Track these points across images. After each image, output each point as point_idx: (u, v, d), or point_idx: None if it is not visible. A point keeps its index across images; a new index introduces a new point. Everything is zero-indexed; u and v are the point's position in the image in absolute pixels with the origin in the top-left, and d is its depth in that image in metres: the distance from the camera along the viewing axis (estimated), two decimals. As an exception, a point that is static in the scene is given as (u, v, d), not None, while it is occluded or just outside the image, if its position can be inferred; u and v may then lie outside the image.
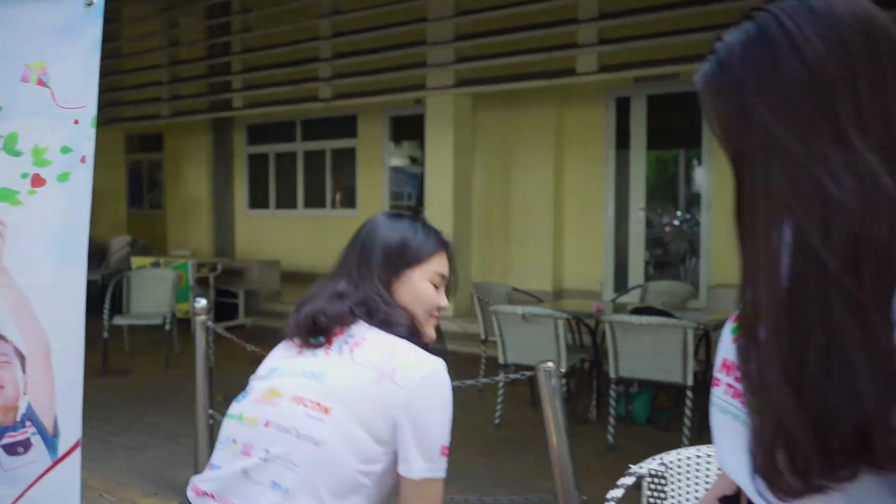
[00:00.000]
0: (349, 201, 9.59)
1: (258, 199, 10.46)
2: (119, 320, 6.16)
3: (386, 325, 1.30)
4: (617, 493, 1.53)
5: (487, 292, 5.44)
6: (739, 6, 5.71)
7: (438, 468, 1.24)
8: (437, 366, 1.28)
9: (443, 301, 1.41)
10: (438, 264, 1.41)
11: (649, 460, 1.58)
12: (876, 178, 0.69)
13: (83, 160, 1.81)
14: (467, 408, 4.08)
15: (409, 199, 9.42)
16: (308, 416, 1.23)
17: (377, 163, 9.16)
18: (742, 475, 0.82)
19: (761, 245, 0.74)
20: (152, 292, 6.35)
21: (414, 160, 9.35)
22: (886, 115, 0.73)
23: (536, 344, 4.21)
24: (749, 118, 0.75)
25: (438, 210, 7.26)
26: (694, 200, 7.64)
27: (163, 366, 5.99)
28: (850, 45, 0.74)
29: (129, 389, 5.34)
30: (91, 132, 1.81)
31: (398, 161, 9.52)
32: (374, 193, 9.16)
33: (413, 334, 1.33)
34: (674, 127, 7.57)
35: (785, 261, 0.73)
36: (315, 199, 9.89)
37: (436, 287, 1.40)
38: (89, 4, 1.79)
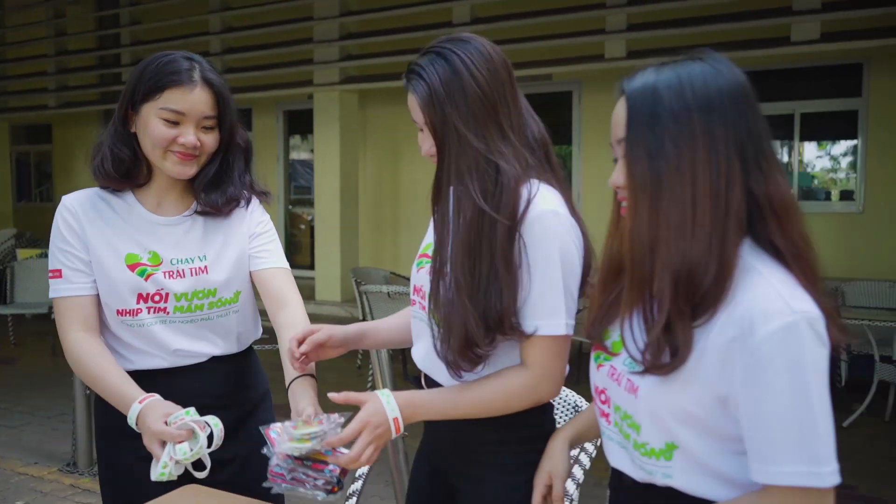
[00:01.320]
0: (244, 193, 9.73)
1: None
2: (2, 310, 6.20)
3: None
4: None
5: (367, 276, 5.83)
6: (597, 14, 6.35)
7: None
8: None
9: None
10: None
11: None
12: (524, 159, 1.19)
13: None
14: (348, 385, 4.45)
15: (304, 192, 9.67)
16: None
17: (272, 156, 9.37)
18: (427, 362, 1.30)
19: (446, 209, 1.21)
20: (38, 283, 6.40)
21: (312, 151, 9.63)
22: (521, 120, 1.23)
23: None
24: (447, 122, 1.18)
25: (326, 201, 7.61)
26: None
27: (49, 355, 6.08)
28: (500, 75, 1.21)
29: (14, 377, 5.45)
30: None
31: (298, 154, 9.76)
32: (270, 185, 9.34)
33: None
34: (547, 123, 8.16)
35: (451, 217, 1.19)
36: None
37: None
38: None
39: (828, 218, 6.61)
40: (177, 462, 1.23)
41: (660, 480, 1.00)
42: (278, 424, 1.22)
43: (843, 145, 7.06)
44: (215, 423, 1.29)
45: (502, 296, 1.15)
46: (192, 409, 1.29)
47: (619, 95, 1.01)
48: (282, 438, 1.18)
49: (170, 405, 1.30)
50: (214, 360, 1.50)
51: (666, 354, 0.94)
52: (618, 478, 1.09)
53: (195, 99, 1.38)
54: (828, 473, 0.88)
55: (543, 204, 1.16)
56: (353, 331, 1.41)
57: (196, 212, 1.49)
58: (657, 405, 0.97)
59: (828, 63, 6.42)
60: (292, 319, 1.47)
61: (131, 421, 1.30)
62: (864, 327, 4.46)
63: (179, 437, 1.24)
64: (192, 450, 1.23)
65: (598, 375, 1.10)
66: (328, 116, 7.65)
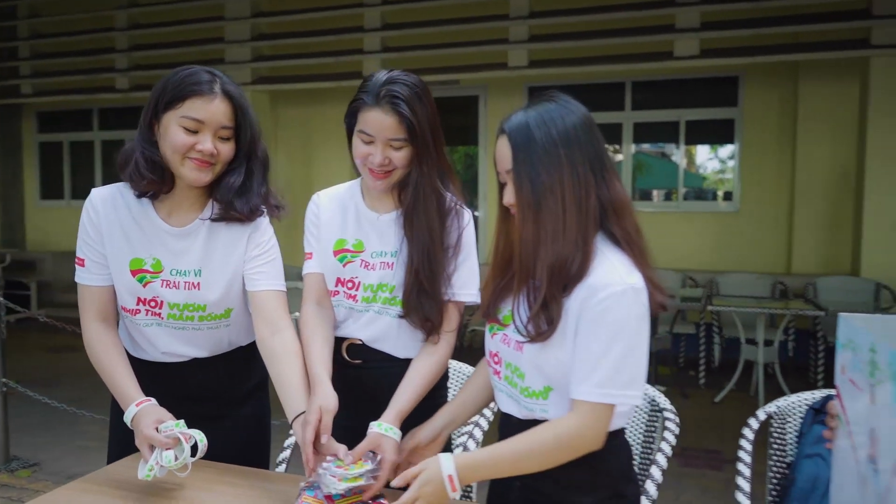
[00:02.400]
0: (151, 191, 9.59)
1: (52, 190, 10.11)
2: None
3: None
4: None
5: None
6: (501, 25, 6.72)
7: None
8: None
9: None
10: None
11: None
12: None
13: None
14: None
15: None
16: None
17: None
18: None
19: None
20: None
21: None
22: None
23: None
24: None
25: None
26: (474, 192, 8.65)
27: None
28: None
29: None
30: None
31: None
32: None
33: None
34: (456, 126, 8.52)
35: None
36: (114, 189, 9.76)
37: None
38: None
39: (713, 216, 7.23)
40: (161, 466, 1.38)
41: (539, 415, 1.31)
42: (321, 472, 1.33)
43: (724, 150, 7.75)
44: (200, 438, 1.42)
45: None
46: (181, 422, 1.42)
47: (499, 134, 1.31)
48: (332, 482, 1.31)
49: (163, 412, 1.43)
50: (197, 361, 1.62)
51: (543, 324, 1.25)
52: (506, 419, 1.39)
53: (214, 109, 1.45)
54: (618, 395, 1.21)
55: None
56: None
57: (212, 218, 1.55)
58: (538, 358, 1.28)
59: (709, 76, 7.05)
60: (284, 348, 1.51)
61: (127, 419, 1.45)
62: (733, 314, 5.03)
63: (166, 444, 1.37)
64: (177, 458, 1.38)
65: (493, 342, 1.40)
66: (240, 116, 7.70)
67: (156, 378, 1.58)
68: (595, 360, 1.22)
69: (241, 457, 1.61)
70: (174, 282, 1.55)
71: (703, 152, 8.00)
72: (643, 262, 1.27)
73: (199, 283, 1.55)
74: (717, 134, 7.62)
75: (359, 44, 7.21)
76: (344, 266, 1.60)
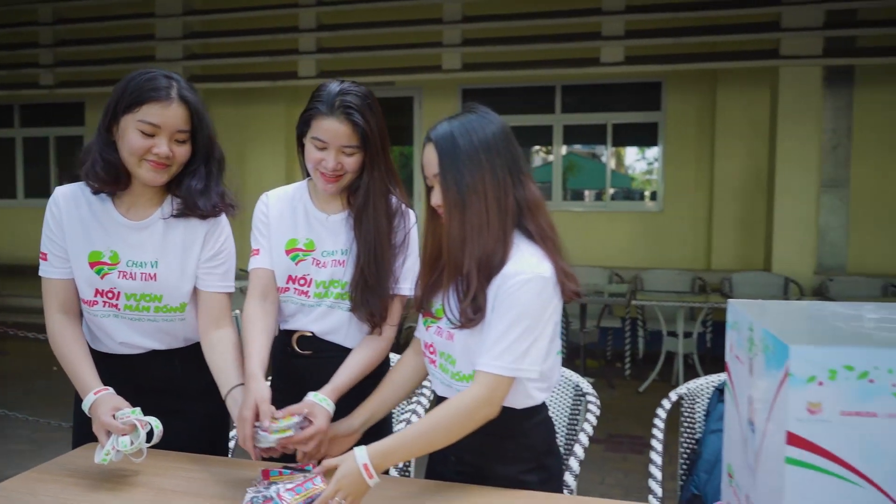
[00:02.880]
0: (78, 190, 9.33)
1: (-32, 188, 9.71)
2: None
3: None
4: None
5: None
6: (435, 29, 6.86)
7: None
8: None
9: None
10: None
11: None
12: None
13: None
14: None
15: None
16: None
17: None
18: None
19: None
20: None
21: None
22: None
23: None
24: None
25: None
26: (410, 191, 8.78)
27: None
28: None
29: None
30: None
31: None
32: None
33: None
34: (391, 126, 8.60)
35: None
36: (38, 189, 9.46)
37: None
38: None
39: (639, 216, 7.56)
40: (118, 451, 1.45)
41: None
42: (256, 433, 1.45)
43: (650, 152, 8.11)
44: (156, 425, 1.49)
45: None
46: (137, 409, 1.50)
47: (426, 142, 1.45)
48: (264, 437, 1.44)
49: (120, 401, 1.50)
50: (155, 354, 1.69)
51: (472, 313, 1.39)
52: (440, 402, 1.53)
53: (170, 114, 1.52)
54: (515, 369, 1.37)
55: None
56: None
57: (173, 215, 1.63)
58: (466, 344, 1.42)
59: (634, 81, 7.38)
60: (221, 340, 1.64)
61: (85, 407, 1.52)
62: (655, 308, 5.31)
63: (122, 430, 1.45)
64: (132, 443, 1.46)
65: (427, 334, 1.53)
66: (172, 114, 7.60)
67: (115, 369, 1.65)
68: (498, 337, 1.37)
69: (199, 451, 1.68)
70: (131, 272, 1.62)
71: (630, 154, 8.36)
72: (555, 255, 1.43)
73: (155, 275, 1.63)
74: (642, 137, 7.97)
75: (293, 44, 7.23)
76: (296, 264, 1.70)
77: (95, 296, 1.63)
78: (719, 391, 1.86)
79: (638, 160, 8.36)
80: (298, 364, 1.71)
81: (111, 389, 1.55)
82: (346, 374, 1.62)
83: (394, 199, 1.70)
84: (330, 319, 1.70)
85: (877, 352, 0.91)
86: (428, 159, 1.45)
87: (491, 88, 7.75)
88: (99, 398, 1.51)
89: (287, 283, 1.71)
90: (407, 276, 1.71)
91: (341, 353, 1.70)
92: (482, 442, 1.45)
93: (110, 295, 1.63)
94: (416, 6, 6.92)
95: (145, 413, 1.51)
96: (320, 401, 1.54)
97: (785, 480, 0.94)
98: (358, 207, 1.65)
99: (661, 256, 7.08)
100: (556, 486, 1.59)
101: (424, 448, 1.42)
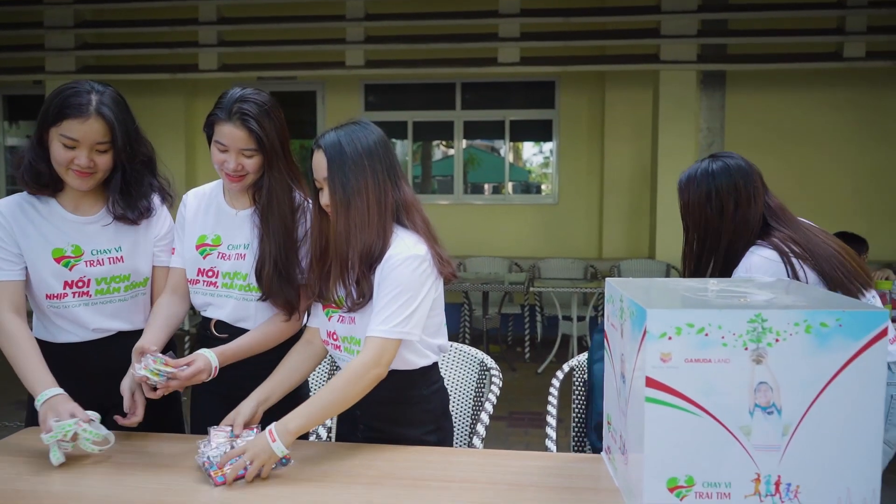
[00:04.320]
0: (-44, 185, 8.82)
1: None
2: None
3: None
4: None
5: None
6: (337, 26, 6.96)
7: None
8: None
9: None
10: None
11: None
12: None
13: None
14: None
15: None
16: None
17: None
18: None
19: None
20: None
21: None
22: None
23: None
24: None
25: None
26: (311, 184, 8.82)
27: None
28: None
29: None
30: None
31: (15, 140, 9.04)
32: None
33: None
34: (294, 120, 8.65)
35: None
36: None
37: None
38: None
39: (536, 208, 7.95)
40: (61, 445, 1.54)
41: None
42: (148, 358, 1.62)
43: (545, 148, 8.55)
44: (98, 418, 1.61)
45: None
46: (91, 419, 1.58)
47: (316, 147, 1.64)
48: (137, 368, 1.62)
49: (74, 408, 1.57)
50: (122, 335, 1.82)
51: (357, 297, 1.63)
52: None
53: (87, 129, 1.63)
54: (399, 332, 1.59)
55: None
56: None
57: (114, 217, 1.78)
58: (365, 324, 1.64)
59: (529, 80, 7.76)
60: (168, 307, 1.83)
61: (38, 402, 1.59)
62: (552, 294, 5.69)
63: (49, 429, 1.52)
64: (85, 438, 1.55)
65: (331, 324, 1.74)
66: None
67: (86, 356, 1.78)
68: (382, 307, 1.60)
69: (159, 426, 1.82)
70: (98, 259, 1.77)
71: (527, 148, 8.77)
72: (431, 241, 1.68)
73: (121, 257, 1.80)
74: (538, 133, 8.39)
75: (194, 36, 7.15)
76: (204, 258, 1.86)
77: (65, 288, 1.75)
78: (600, 332, 2.12)
79: (535, 154, 8.80)
80: (218, 345, 1.85)
81: (65, 393, 1.62)
82: (240, 342, 1.79)
83: (297, 195, 1.84)
84: (239, 309, 1.86)
85: (710, 313, 1.19)
86: (318, 164, 1.64)
87: (393, 84, 7.95)
88: (55, 400, 1.59)
89: (197, 275, 1.87)
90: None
91: None
92: (390, 409, 1.71)
93: (80, 283, 1.75)
94: (319, 2, 7.00)
95: (113, 396, 1.64)
96: (208, 354, 1.71)
97: (645, 415, 1.21)
98: (262, 206, 1.79)
99: (556, 246, 7.51)
100: (450, 443, 1.85)
101: (326, 412, 1.58)
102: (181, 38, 7.18)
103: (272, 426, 1.51)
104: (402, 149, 8.52)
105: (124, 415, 1.68)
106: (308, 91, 8.31)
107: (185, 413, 2.08)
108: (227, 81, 7.89)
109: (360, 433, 1.77)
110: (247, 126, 1.69)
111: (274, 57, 7.21)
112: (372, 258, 1.61)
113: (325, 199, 1.64)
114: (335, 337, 1.73)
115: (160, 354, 1.66)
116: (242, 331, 1.86)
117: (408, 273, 1.59)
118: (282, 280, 1.79)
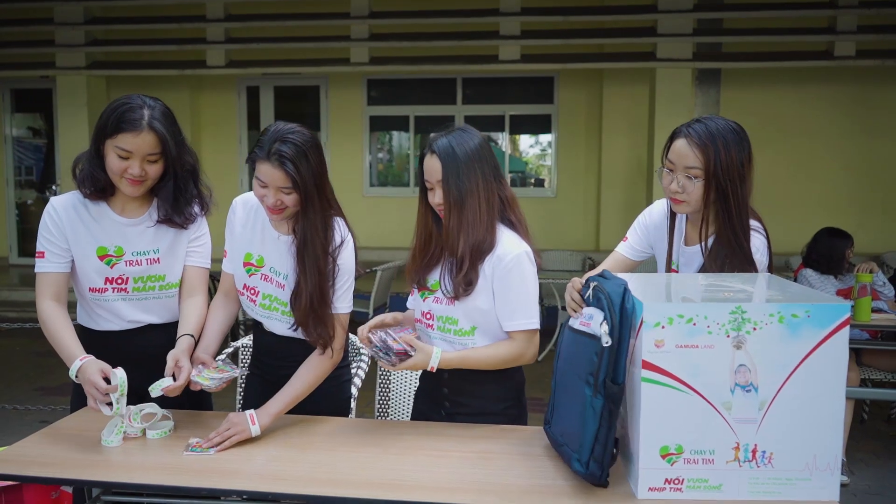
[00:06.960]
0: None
1: None
2: None
3: None
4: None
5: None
6: (342, 23, 7.12)
7: None
8: None
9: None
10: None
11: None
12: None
13: None
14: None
15: (27, 173, 9.16)
16: None
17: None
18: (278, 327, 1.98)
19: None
20: None
21: (37, 132, 9.13)
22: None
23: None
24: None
25: (73, 188, 7.44)
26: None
27: None
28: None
29: None
30: None
31: (19, 132, 9.18)
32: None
33: None
34: (298, 112, 8.80)
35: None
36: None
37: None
38: None
39: (536, 201, 8.15)
40: (133, 425, 1.74)
41: (469, 346, 1.85)
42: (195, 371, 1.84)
43: (543, 142, 8.73)
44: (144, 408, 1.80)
45: None
46: (120, 371, 1.74)
47: (429, 152, 1.81)
48: (197, 373, 1.83)
49: (103, 364, 1.76)
50: (152, 327, 2.00)
51: (465, 287, 1.80)
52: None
53: (140, 142, 1.80)
54: (536, 322, 1.81)
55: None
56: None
57: (158, 220, 1.94)
58: (466, 308, 1.83)
59: (529, 76, 7.93)
60: (191, 309, 1.98)
61: (72, 372, 1.79)
62: (551, 285, 5.89)
63: (107, 389, 1.69)
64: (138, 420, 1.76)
65: (425, 304, 1.91)
66: (74, 101, 7.51)
67: (122, 342, 1.97)
68: (516, 303, 1.80)
69: (189, 407, 2.00)
70: (136, 260, 1.94)
71: (526, 145, 8.95)
72: (527, 237, 1.87)
73: (158, 258, 1.97)
74: (537, 127, 8.58)
75: (201, 33, 7.30)
76: (249, 276, 2.00)
77: (105, 283, 1.94)
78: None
79: (532, 146, 8.97)
80: (266, 339, 2.03)
81: (92, 357, 1.80)
82: (283, 397, 1.86)
83: (337, 234, 1.89)
84: (282, 328, 1.99)
85: (697, 306, 1.39)
86: (432, 167, 1.79)
87: (395, 80, 8.11)
88: (85, 363, 1.78)
89: (242, 289, 2.02)
90: (340, 297, 1.92)
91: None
92: (478, 386, 1.88)
93: (119, 281, 1.94)
94: (324, 0, 7.16)
95: (148, 377, 1.82)
96: (251, 429, 1.78)
97: (641, 394, 1.41)
98: (298, 245, 1.86)
99: (555, 238, 7.71)
100: (526, 419, 2.00)
101: (476, 365, 1.84)
102: (189, 34, 7.33)
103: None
104: (404, 142, 8.69)
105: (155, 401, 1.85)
106: (312, 85, 8.47)
107: (214, 397, 2.23)
108: (234, 77, 8.05)
109: (445, 410, 1.92)
110: (283, 168, 1.75)
111: (280, 54, 7.37)
112: (481, 252, 1.78)
113: (436, 198, 1.80)
114: (429, 316, 1.90)
115: (213, 361, 1.88)
116: (288, 339, 1.98)
117: (523, 268, 1.78)
118: (316, 319, 1.89)
